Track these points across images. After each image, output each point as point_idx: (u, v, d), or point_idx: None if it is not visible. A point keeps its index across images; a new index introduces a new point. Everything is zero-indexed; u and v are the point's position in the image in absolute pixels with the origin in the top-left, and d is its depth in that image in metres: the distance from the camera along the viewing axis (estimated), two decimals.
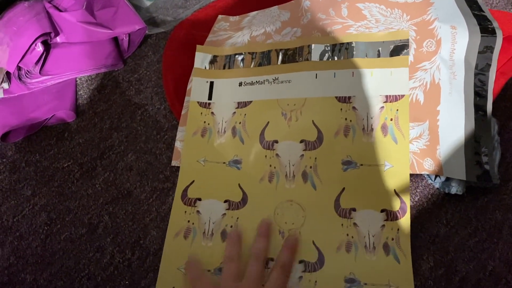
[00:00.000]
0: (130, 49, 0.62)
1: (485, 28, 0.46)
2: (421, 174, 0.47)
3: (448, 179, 0.45)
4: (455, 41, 0.46)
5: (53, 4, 0.61)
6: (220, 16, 0.63)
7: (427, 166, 0.44)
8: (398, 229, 0.42)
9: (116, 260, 0.47)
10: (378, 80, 0.47)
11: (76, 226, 0.50)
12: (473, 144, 0.44)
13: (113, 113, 0.57)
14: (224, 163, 0.50)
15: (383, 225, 0.43)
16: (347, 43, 0.49)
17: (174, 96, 0.57)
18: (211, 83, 0.54)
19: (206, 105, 0.53)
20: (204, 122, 0.52)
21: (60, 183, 0.53)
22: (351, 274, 0.42)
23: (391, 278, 0.41)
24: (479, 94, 0.46)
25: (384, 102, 0.46)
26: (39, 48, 0.57)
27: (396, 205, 0.43)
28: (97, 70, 0.61)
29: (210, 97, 0.54)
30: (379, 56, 0.48)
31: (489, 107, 0.45)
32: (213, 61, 0.56)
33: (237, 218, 0.46)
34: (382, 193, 0.44)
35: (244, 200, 0.47)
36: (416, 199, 0.47)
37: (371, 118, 0.46)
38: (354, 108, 0.47)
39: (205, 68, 0.55)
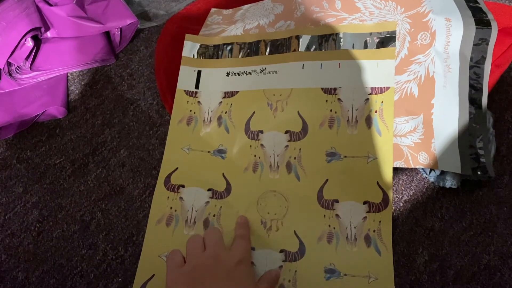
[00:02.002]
0: (122, 44, 0.62)
1: (480, 20, 0.46)
2: (416, 168, 0.47)
3: (442, 173, 0.45)
4: (450, 33, 0.46)
5: None
6: (213, 9, 0.63)
7: (422, 160, 0.44)
8: (380, 221, 0.42)
9: (109, 257, 0.47)
10: (364, 71, 0.47)
11: (68, 223, 0.49)
12: (468, 137, 0.44)
13: (105, 109, 0.56)
14: (208, 152, 0.49)
15: (365, 217, 0.43)
16: (335, 34, 0.49)
17: (167, 91, 0.56)
18: (199, 72, 0.54)
19: (192, 94, 0.53)
20: (190, 110, 0.52)
21: (52, 180, 0.52)
22: (331, 265, 0.42)
23: (371, 270, 0.41)
24: (474, 87, 0.45)
25: (369, 94, 0.46)
26: (29, 43, 0.56)
27: (379, 197, 0.43)
28: (88, 65, 0.60)
29: (197, 86, 0.53)
30: (366, 47, 0.47)
31: (484, 100, 0.45)
32: (201, 51, 0.55)
33: (220, 207, 0.46)
34: (365, 185, 0.43)
35: (228, 189, 0.47)
36: (411, 193, 0.46)
37: (356, 110, 0.46)
38: (339, 99, 0.47)
39: (193, 57, 0.55)
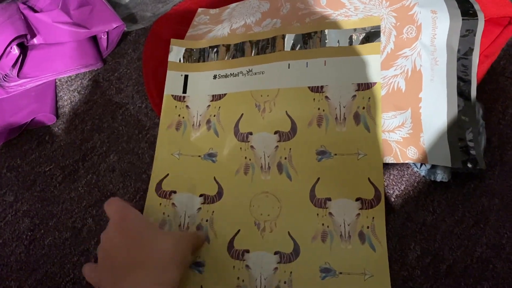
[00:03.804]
0: (109, 47, 0.61)
1: (466, 11, 0.45)
2: (407, 163, 0.47)
3: (433, 167, 0.45)
4: (436, 25, 0.45)
5: (28, 5, 0.60)
6: (200, 10, 0.62)
7: (411, 155, 0.43)
8: (373, 217, 0.42)
9: None
10: (350, 68, 0.46)
11: (60, 230, 0.49)
12: (457, 130, 0.44)
13: (94, 114, 0.56)
14: (199, 156, 0.49)
15: (358, 214, 0.42)
16: (320, 31, 0.48)
17: (156, 94, 0.56)
18: (186, 77, 0.54)
19: (180, 99, 0.53)
20: (179, 115, 0.52)
21: (43, 187, 0.52)
22: (327, 264, 0.41)
23: (367, 267, 0.41)
24: (463, 79, 0.45)
25: (356, 90, 0.45)
26: (15, 51, 0.56)
27: (371, 193, 0.43)
28: (76, 70, 0.60)
29: (185, 91, 0.53)
30: (351, 43, 0.47)
31: (473, 92, 0.45)
32: (187, 55, 0.55)
33: (213, 212, 0.46)
34: (357, 182, 0.43)
35: (220, 193, 0.47)
36: (402, 187, 0.46)
37: (344, 107, 0.45)
38: (326, 97, 0.46)
39: (180, 61, 0.55)
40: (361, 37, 0.46)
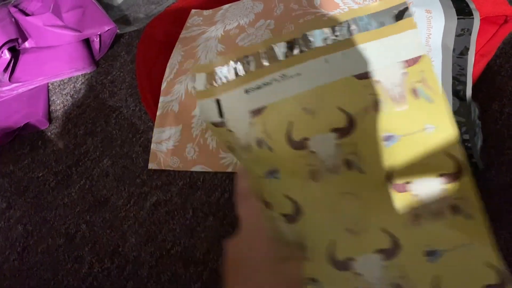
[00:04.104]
0: (102, 50, 0.61)
1: (462, 10, 0.45)
2: None
3: None
4: (431, 25, 0.45)
5: (19, 8, 0.59)
6: (193, 11, 0.62)
7: None
8: (461, 188, 0.40)
9: (95, 270, 0.46)
10: (391, 48, 0.44)
11: (53, 237, 0.48)
12: None
13: (87, 118, 0.56)
14: (261, 177, 0.45)
15: (444, 189, 0.40)
16: (346, 21, 0.46)
17: (149, 96, 0.55)
18: (217, 101, 0.50)
19: (221, 124, 0.48)
20: (227, 141, 0.49)
21: (36, 193, 0.51)
22: (429, 246, 0.39)
23: (468, 237, 0.38)
24: (458, 79, 0.44)
25: (405, 67, 0.43)
26: (6, 55, 0.55)
27: (451, 165, 0.41)
28: (69, 74, 0.59)
29: (221, 115, 0.49)
30: (383, 25, 0.45)
31: (469, 92, 0.44)
32: (210, 78, 0.51)
33: (300, 230, 0.42)
34: (434, 158, 0.41)
35: (297, 209, 0.43)
36: None
37: (397, 86, 0.43)
38: (376, 81, 0.44)
39: (206, 87, 0.51)
40: (391, 17, 0.45)
